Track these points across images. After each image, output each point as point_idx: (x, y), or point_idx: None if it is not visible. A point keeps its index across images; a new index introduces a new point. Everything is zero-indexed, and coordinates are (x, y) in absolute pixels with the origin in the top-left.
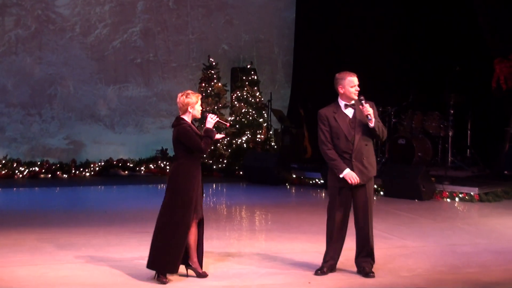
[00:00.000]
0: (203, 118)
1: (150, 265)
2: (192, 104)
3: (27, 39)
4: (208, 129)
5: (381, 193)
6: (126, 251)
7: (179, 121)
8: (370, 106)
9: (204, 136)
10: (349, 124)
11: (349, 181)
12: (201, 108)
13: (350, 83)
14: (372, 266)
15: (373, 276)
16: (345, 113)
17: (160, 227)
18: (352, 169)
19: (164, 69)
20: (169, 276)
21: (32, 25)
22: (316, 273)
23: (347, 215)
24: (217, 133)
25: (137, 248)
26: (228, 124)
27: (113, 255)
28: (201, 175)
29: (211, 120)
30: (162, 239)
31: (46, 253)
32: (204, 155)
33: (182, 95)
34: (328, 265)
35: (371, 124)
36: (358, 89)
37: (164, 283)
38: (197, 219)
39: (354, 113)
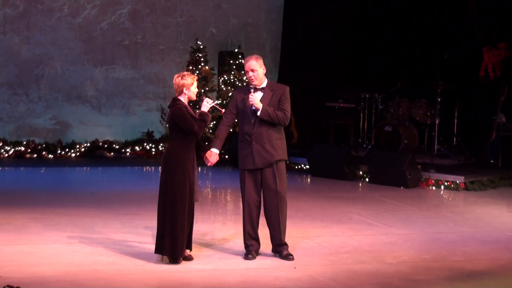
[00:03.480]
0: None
1: (158, 250)
2: (187, 86)
3: (15, 18)
4: (203, 112)
5: (367, 179)
6: (111, 232)
7: (175, 102)
8: (278, 92)
9: (198, 119)
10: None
11: (205, 160)
12: (197, 90)
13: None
14: (287, 247)
15: (292, 259)
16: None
17: (161, 211)
18: (251, 152)
19: (152, 52)
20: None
21: (20, 5)
22: (247, 258)
23: (259, 198)
24: (211, 117)
25: (121, 230)
26: (223, 111)
27: (99, 236)
28: (195, 157)
29: (207, 104)
30: (165, 223)
31: (32, 233)
32: (198, 138)
33: (177, 77)
34: (255, 248)
35: (258, 113)
36: (251, 75)
37: (179, 262)
38: (190, 201)
39: (262, 96)
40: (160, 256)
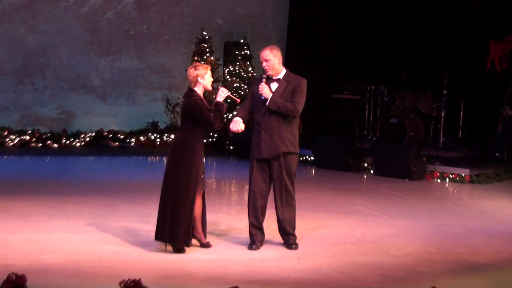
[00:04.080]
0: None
1: (159, 238)
2: (202, 75)
3: (21, 8)
4: (218, 102)
5: (372, 171)
6: (116, 221)
7: (190, 93)
8: (293, 83)
9: (214, 109)
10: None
11: (230, 127)
12: (211, 79)
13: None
14: (295, 238)
15: (295, 248)
16: (269, 86)
17: (163, 199)
18: (260, 141)
19: (158, 42)
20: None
21: None
22: (251, 248)
23: (265, 188)
24: (226, 107)
25: (126, 219)
26: (238, 100)
27: (103, 225)
28: (203, 147)
29: (222, 94)
30: (164, 211)
31: (37, 221)
32: (213, 128)
33: (191, 68)
34: (259, 239)
35: (267, 103)
36: (264, 65)
37: (183, 251)
38: (201, 190)
39: (277, 87)
40: (164, 245)
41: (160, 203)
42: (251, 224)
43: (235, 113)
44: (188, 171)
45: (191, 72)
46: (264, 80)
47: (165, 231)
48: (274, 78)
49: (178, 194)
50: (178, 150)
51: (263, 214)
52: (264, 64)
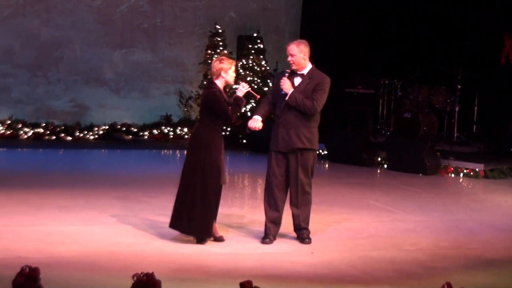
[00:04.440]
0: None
1: (173, 226)
2: (225, 69)
3: (35, 1)
4: (238, 97)
5: (385, 166)
6: (129, 214)
7: (210, 85)
8: (316, 81)
9: (233, 103)
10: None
11: (249, 124)
12: (234, 75)
13: None
14: (308, 232)
15: (308, 242)
16: (292, 80)
17: (188, 191)
18: (277, 134)
19: (171, 35)
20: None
21: None
22: (264, 242)
23: (282, 180)
24: (245, 102)
25: (139, 212)
26: (258, 96)
27: (116, 218)
28: (222, 140)
29: (243, 89)
30: (191, 204)
31: (50, 214)
32: (230, 122)
33: (216, 60)
34: (272, 232)
35: (286, 98)
36: (289, 59)
37: (204, 243)
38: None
39: (300, 82)
40: (187, 236)
41: (177, 194)
42: (265, 215)
43: (253, 105)
44: (207, 162)
45: (216, 64)
46: (287, 74)
47: (181, 221)
48: (298, 73)
49: (196, 186)
50: (196, 142)
51: (279, 207)
52: (289, 58)
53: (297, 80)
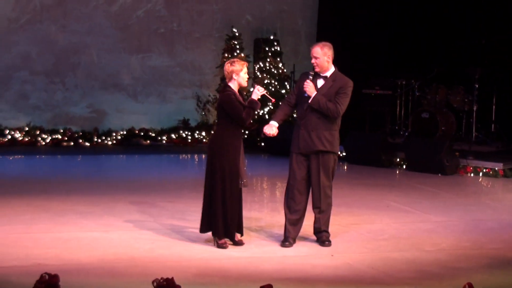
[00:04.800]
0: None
1: (204, 230)
2: (237, 71)
3: (51, 7)
4: (252, 100)
5: (404, 167)
6: (147, 220)
7: (225, 88)
8: (338, 84)
9: (247, 106)
10: None
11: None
12: (247, 76)
13: None
14: (328, 235)
15: (328, 245)
16: (315, 83)
17: (210, 195)
18: (298, 136)
19: (188, 39)
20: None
21: None
22: (283, 245)
23: (303, 182)
24: (260, 105)
25: (158, 218)
26: (273, 100)
27: (135, 224)
28: (241, 144)
29: (258, 92)
30: (214, 207)
31: (69, 221)
32: (245, 125)
33: (227, 63)
34: (292, 235)
35: (309, 100)
36: (313, 61)
37: (225, 247)
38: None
39: (322, 84)
40: (210, 241)
41: (203, 199)
42: (285, 217)
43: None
44: (226, 166)
45: (227, 67)
46: (310, 77)
47: (206, 226)
48: (321, 75)
49: (217, 190)
50: (215, 146)
51: (299, 210)
52: (313, 60)
53: (320, 83)
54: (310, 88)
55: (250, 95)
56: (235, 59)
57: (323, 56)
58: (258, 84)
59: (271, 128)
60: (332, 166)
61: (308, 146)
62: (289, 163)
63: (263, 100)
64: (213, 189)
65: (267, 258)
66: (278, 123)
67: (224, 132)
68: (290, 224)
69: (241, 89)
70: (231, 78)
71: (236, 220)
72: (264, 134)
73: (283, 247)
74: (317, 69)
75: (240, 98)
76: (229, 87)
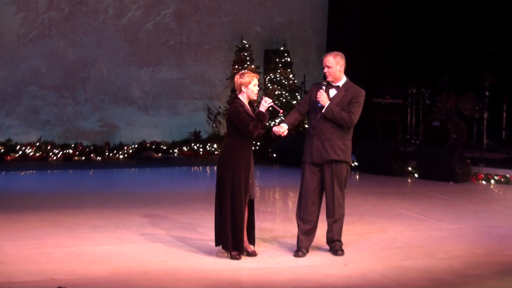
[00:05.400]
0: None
1: (219, 243)
2: (246, 84)
3: (60, 21)
4: (260, 112)
5: (416, 175)
6: (160, 232)
7: (233, 100)
8: (351, 93)
9: (255, 119)
10: None
11: (318, 99)
12: (257, 89)
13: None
14: (341, 244)
15: (341, 254)
16: (327, 92)
17: (219, 207)
18: (311, 146)
19: (197, 51)
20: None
21: (65, 8)
22: (296, 255)
23: (316, 192)
24: (268, 117)
25: (170, 230)
26: (281, 111)
27: (147, 237)
28: (251, 155)
29: (265, 104)
30: (223, 219)
31: (82, 235)
32: (252, 137)
33: (238, 75)
34: (304, 245)
35: (323, 110)
36: (326, 71)
37: (238, 259)
38: (248, 199)
39: (335, 94)
40: (222, 251)
41: (215, 211)
42: (298, 229)
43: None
44: (236, 178)
45: (236, 79)
46: (323, 86)
47: (219, 239)
48: (333, 85)
49: (227, 202)
50: (225, 158)
51: (312, 220)
52: (326, 70)
53: (332, 92)
54: (323, 98)
55: (258, 107)
56: (246, 71)
57: (335, 65)
58: (269, 95)
59: (281, 127)
60: (345, 176)
61: (322, 156)
62: (301, 173)
63: (272, 113)
64: (222, 201)
65: (280, 268)
66: (288, 126)
67: (234, 144)
68: (303, 234)
69: (251, 101)
70: (240, 90)
71: (244, 232)
72: (274, 133)
73: (296, 257)
74: (329, 78)
75: (249, 110)
76: (238, 98)
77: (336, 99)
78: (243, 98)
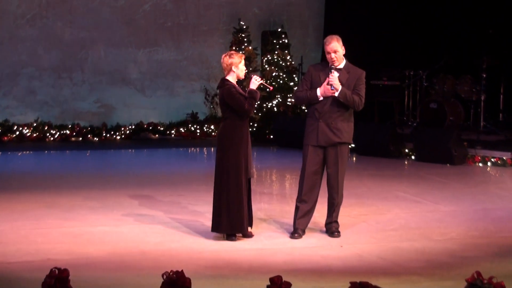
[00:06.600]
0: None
1: (215, 229)
2: (236, 64)
3: (57, 2)
4: (252, 90)
5: (413, 157)
6: (157, 213)
7: (223, 83)
8: (354, 75)
9: (248, 97)
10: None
11: (323, 92)
12: (244, 68)
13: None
14: (337, 226)
15: (338, 236)
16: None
17: (216, 189)
18: (317, 128)
19: (195, 33)
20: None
21: None
22: (293, 237)
23: (318, 174)
24: (260, 95)
25: (167, 211)
26: (271, 88)
27: (145, 217)
28: (249, 134)
29: (255, 82)
30: (220, 201)
31: (79, 215)
32: (249, 116)
33: (225, 56)
34: (301, 227)
35: (336, 93)
36: (333, 56)
37: (234, 240)
38: (246, 178)
39: (339, 76)
40: (219, 234)
41: (214, 195)
42: (298, 210)
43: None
44: (233, 159)
45: (226, 60)
46: (332, 70)
47: (221, 222)
48: (336, 67)
49: (231, 183)
50: (223, 140)
51: (311, 201)
52: (333, 55)
53: (335, 75)
54: (337, 82)
55: (248, 86)
56: (233, 52)
57: (340, 49)
58: (266, 76)
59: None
60: (346, 157)
61: (329, 138)
62: (303, 155)
63: (270, 94)
64: (223, 183)
65: (276, 249)
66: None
67: (231, 126)
68: (302, 215)
69: (239, 80)
70: (229, 71)
71: (243, 213)
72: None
73: (293, 239)
74: (336, 63)
75: (240, 90)
76: (228, 80)
77: (342, 81)
78: (232, 79)
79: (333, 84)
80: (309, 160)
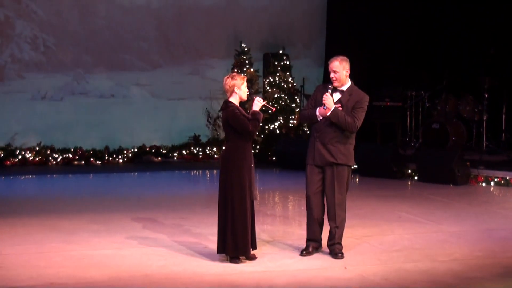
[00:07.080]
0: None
1: (221, 250)
2: (238, 85)
3: (59, 26)
4: (255, 111)
5: (416, 178)
6: (160, 236)
7: (227, 105)
8: (355, 98)
9: (251, 118)
10: None
11: (320, 112)
12: (247, 90)
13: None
14: (341, 247)
15: (341, 257)
16: (332, 96)
17: (221, 211)
18: (314, 148)
19: (197, 55)
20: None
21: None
22: (302, 254)
23: (319, 195)
24: (263, 116)
25: (170, 234)
26: (274, 109)
27: (147, 241)
28: (252, 156)
29: (258, 103)
30: (225, 223)
31: (81, 239)
32: (253, 138)
33: (228, 78)
34: (313, 245)
35: (328, 113)
36: (332, 76)
37: (238, 262)
38: (250, 200)
39: (339, 98)
40: (224, 256)
41: (218, 217)
42: (307, 230)
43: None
44: (237, 181)
45: (228, 82)
46: (329, 90)
47: (226, 244)
48: (338, 89)
49: (235, 205)
50: (227, 162)
51: (319, 220)
52: (332, 75)
53: (336, 96)
54: (329, 102)
55: (250, 107)
56: (235, 73)
57: (342, 71)
58: (268, 98)
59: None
60: (346, 179)
61: (324, 159)
62: (306, 175)
63: (272, 116)
64: (227, 206)
65: (280, 271)
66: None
67: (234, 148)
68: (310, 238)
69: (241, 102)
70: (232, 92)
71: (248, 235)
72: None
73: (302, 256)
74: (336, 84)
75: (243, 111)
76: (231, 102)
77: (342, 103)
78: (235, 100)
79: (325, 104)
80: (309, 179)
